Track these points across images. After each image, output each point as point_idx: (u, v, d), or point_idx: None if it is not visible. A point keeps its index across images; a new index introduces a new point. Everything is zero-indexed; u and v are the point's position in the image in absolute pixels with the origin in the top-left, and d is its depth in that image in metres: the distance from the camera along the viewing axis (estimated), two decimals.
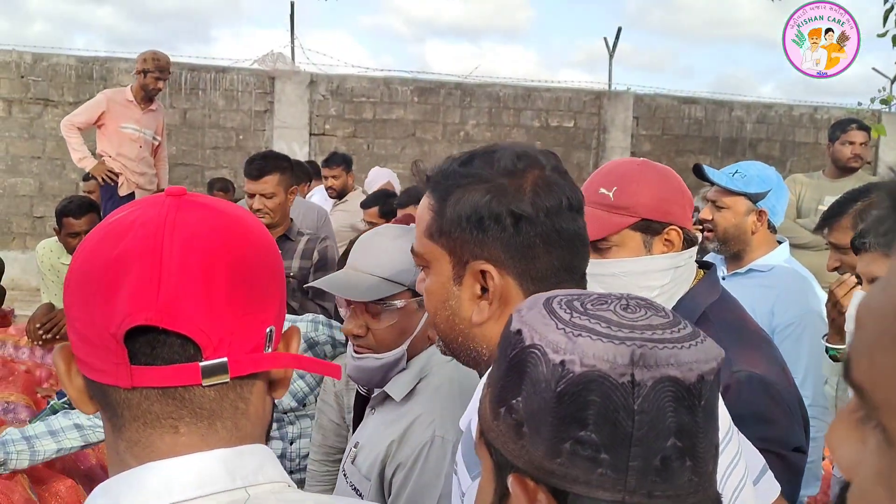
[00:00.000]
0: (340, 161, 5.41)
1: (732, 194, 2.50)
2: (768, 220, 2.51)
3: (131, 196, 4.96)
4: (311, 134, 9.44)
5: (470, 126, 9.88)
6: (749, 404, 1.41)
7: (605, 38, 10.51)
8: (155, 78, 4.95)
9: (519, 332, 0.72)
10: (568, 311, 0.72)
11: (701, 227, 2.55)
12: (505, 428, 0.71)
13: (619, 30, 10.46)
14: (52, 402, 2.65)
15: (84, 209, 3.31)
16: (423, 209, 1.11)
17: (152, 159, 5.15)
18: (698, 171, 2.58)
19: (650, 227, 1.52)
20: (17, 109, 8.68)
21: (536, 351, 0.70)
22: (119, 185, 4.97)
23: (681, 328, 0.72)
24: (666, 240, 1.53)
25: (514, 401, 0.71)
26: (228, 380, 0.69)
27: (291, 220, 3.34)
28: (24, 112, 8.69)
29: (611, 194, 1.53)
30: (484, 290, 1.06)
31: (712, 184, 2.56)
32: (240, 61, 9.57)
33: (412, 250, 1.15)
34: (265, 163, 3.23)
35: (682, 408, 0.67)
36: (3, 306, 3.60)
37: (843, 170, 4.02)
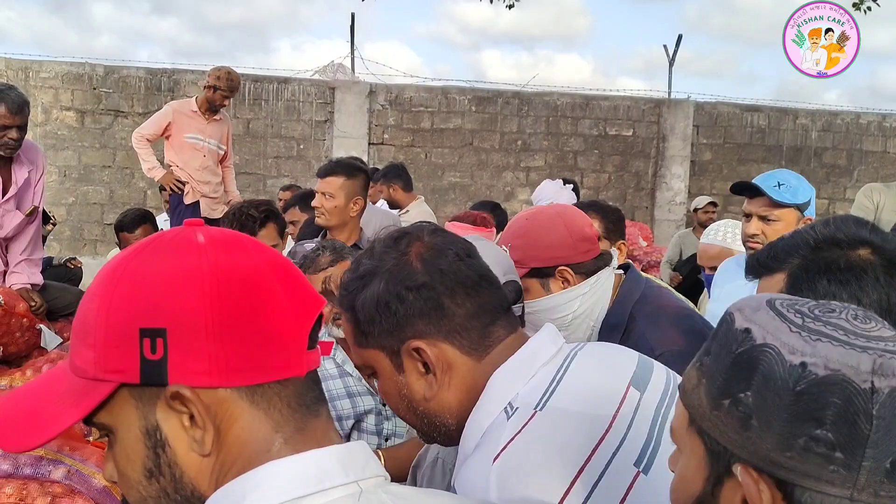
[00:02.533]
0: (382, 175, 5.49)
1: (782, 206, 2.49)
2: None
3: (196, 204, 5.10)
4: (369, 143, 9.56)
5: (527, 135, 9.88)
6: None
7: (664, 46, 10.41)
8: (223, 95, 5.08)
9: (748, 330, 0.77)
10: (798, 315, 0.77)
11: (750, 241, 2.53)
12: (728, 419, 0.75)
13: (680, 37, 10.35)
14: None
15: (137, 222, 3.42)
16: (345, 325, 1.18)
17: (218, 168, 5.28)
18: (740, 188, 2.57)
19: (540, 272, 1.80)
20: (90, 120, 8.99)
21: (770, 350, 0.74)
22: (185, 193, 5.12)
23: None
24: (562, 279, 1.79)
25: (741, 394, 0.75)
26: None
27: (361, 230, 3.29)
28: (96, 123, 9.00)
29: (507, 250, 1.80)
30: (425, 365, 1.11)
31: (754, 197, 2.54)
32: (300, 72, 9.77)
33: (355, 365, 1.24)
34: (335, 165, 3.29)
35: None
36: None
37: None
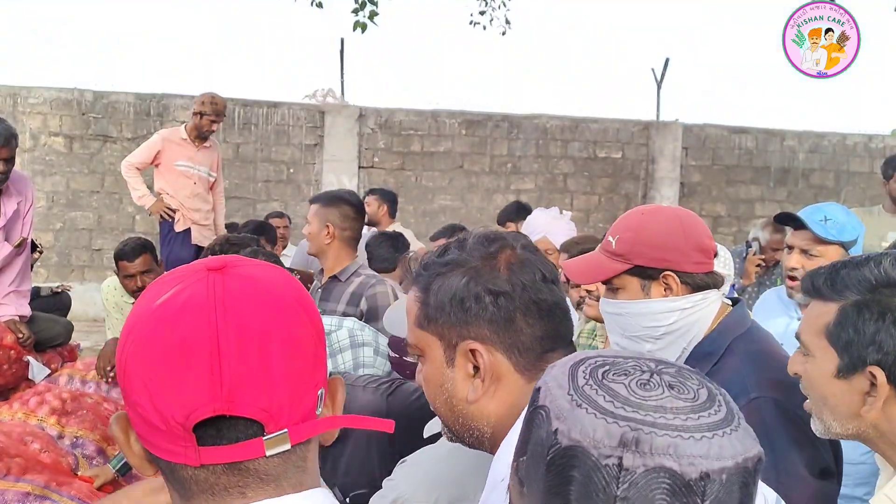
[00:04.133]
0: (377, 191, 5.72)
1: (826, 243, 2.42)
2: None
3: (188, 231, 5.07)
4: (360, 167, 9.56)
5: (517, 158, 9.91)
6: (768, 429, 1.44)
7: (652, 69, 10.49)
8: (210, 121, 5.08)
9: (538, 389, 0.71)
10: (585, 377, 0.69)
11: (790, 273, 2.48)
12: (514, 483, 0.72)
13: (667, 61, 10.43)
14: None
15: (137, 251, 3.39)
16: (411, 301, 1.18)
17: (209, 195, 5.26)
18: (784, 219, 2.52)
19: (645, 273, 1.66)
20: (78, 145, 8.96)
21: (542, 412, 0.68)
22: (176, 221, 5.09)
23: (704, 415, 0.65)
24: (665, 285, 1.65)
25: (521, 458, 0.71)
26: (290, 447, 0.73)
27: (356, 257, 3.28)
28: (85, 148, 8.97)
29: (613, 241, 1.69)
30: (476, 368, 1.11)
31: (797, 229, 2.49)
32: (290, 96, 9.78)
33: (406, 343, 1.21)
34: (319, 194, 3.34)
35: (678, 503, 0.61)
36: (70, 342, 3.69)
37: None
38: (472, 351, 1.10)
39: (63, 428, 2.93)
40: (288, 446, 0.72)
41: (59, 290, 4.73)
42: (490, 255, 1.13)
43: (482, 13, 8.50)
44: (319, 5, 7.67)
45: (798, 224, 2.48)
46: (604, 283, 1.73)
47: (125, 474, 2.72)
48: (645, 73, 10.47)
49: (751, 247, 4.10)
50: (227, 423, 0.70)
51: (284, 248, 5.84)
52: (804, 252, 2.46)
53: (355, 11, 7.51)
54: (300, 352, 0.74)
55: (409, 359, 1.95)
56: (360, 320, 2.86)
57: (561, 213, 3.71)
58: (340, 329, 2.49)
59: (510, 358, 1.11)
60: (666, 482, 0.61)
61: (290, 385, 0.72)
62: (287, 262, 5.67)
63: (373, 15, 7.50)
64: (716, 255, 1.72)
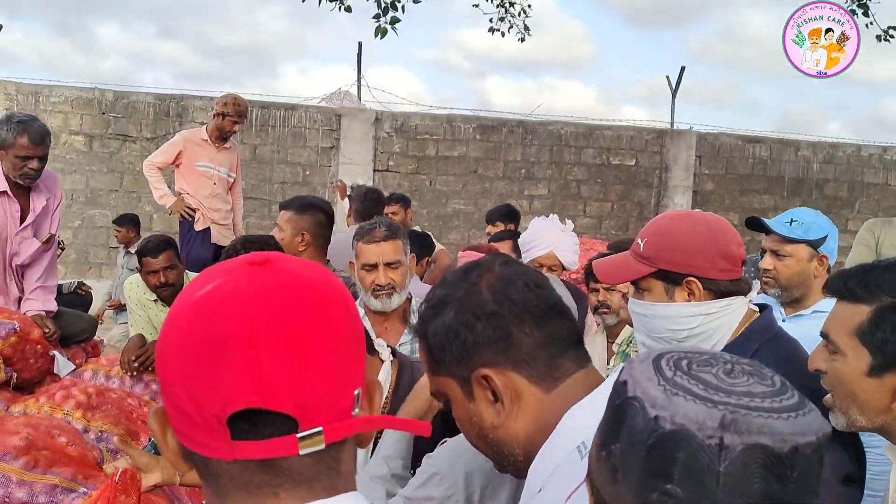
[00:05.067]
0: (399, 199, 5.73)
1: (793, 242, 2.53)
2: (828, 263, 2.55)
3: (207, 231, 5.15)
4: (375, 170, 9.63)
5: (531, 163, 9.96)
6: None
7: (667, 77, 10.53)
8: (232, 122, 5.15)
9: (625, 383, 0.77)
10: (672, 369, 0.76)
11: (764, 275, 2.58)
12: (604, 470, 0.76)
13: (683, 69, 10.47)
14: (152, 439, 2.76)
15: (160, 248, 3.44)
16: (421, 353, 1.21)
17: (228, 196, 5.34)
18: (753, 224, 2.62)
19: (669, 277, 1.69)
20: (98, 144, 9.08)
21: (636, 403, 0.74)
22: (196, 220, 5.17)
23: (784, 398, 0.74)
24: (688, 290, 1.68)
25: (612, 446, 0.75)
26: (324, 446, 0.72)
27: (328, 261, 3.33)
28: (104, 147, 9.08)
29: (642, 244, 1.73)
30: (494, 393, 1.12)
31: (769, 233, 2.59)
32: (307, 99, 9.87)
33: (431, 393, 1.24)
34: (291, 200, 3.37)
35: (772, 476, 0.69)
36: (95, 337, 3.76)
37: None
38: (485, 377, 1.11)
39: (88, 422, 2.99)
40: (322, 446, 0.71)
41: (81, 292, 4.79)
42: (471, 284, 1.15)
43: (501, 19, 8.53)
44: (348, 9, 7.72)
45: (765, 228, 2.58)
46: (632, 283, 1.77)
47: None
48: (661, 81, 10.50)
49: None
50: (261, 417, 0.70)
51: None
52: (774, 253, 2.56)
53: (377, 17, 7.55)
54: (339, 349, 0.73)
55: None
56: None
57: (564, 223, 3.50)
58: None
59: (521, 373, 1.12)
60: (761, 457, 0.69)
61: (327, 382, 0.72)
62: None
63: (394, 21, 7.54)
64: (744, 262, 1.74)
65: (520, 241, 3.59)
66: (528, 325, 1.12)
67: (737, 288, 1.71)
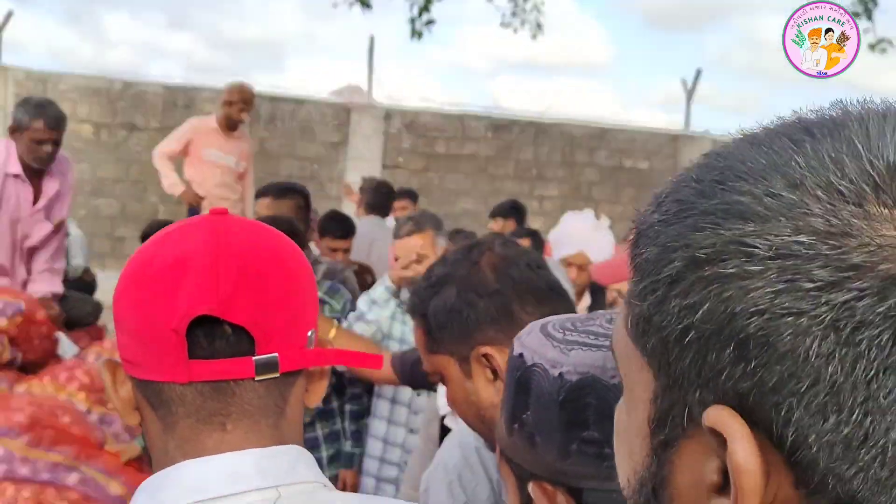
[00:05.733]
0: (406, 193, 5.76)
1: None
2: None
3: None
4: (383, 166, 9.57)
5: (542, 164, 9.89)
6: None
7: (683, 80, 10.45)
8: (239, 109, 5.15)
9: (521, 355, 0.81)
10: (561, 331, 0.81)
11: None
12: (520, 441, 0.79)
13: (699, 72, 10.39)
14: None
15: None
16: (417, 331, 1.22)
17: (237, 185, 5.30)
18: None
19: None
20: (105, 133, 9.02)
21: (537, 369, 0.78)
22: (203, 209, 5.12)
23: None
24: None
25: (524, 416, 0.79)
26: (278, 374, 0.73)
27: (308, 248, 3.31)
28: (112, 136, 9.03)
29: None
30: (494, 371, 1.13)
31: None
32: (317, 93, 9.82)
33: (425, 370, 1.24)
34: (267, 186, 3.34)
35: None
36: (98, 322, 3.73)
37: None
38: (485, 355, 1.12)
39: (91, 404, 2.95)
40: (276, 373, 0.72)
41: (86, 279, 4.76)
42: (473, 262, 1.17)
43: (514, 15, 8.50)
44: (367, 5, 7.70)
45: None
46: None
47: None
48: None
49: None
50: (219, 332, 0.71)
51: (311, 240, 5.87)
52: None
53: (412, 21, 7.54)
54: (294, 285, 0.76)
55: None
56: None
57: (598, 219, 3.20)
58: None
59: None
60: None
61: (284, 311, 0.73)
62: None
63: (430, 22, 7.54)
64: None
65: (549, 237, 3.45)
66: (529, 304, 1.15)
67: None
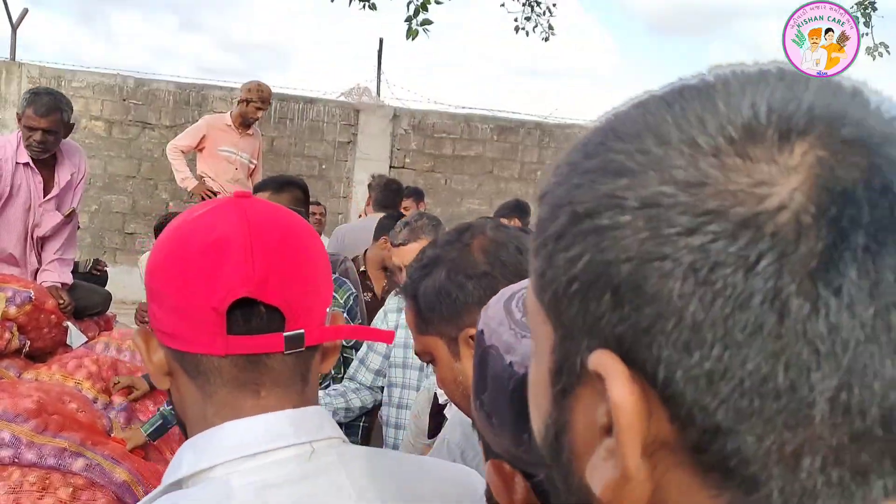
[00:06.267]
0: (411, 192, 5.78)
1: None
2: None
3: None
4: (391, 167, 9.64)
5: (548, 166, 9.91)
6: None
7: None
8: (256, 108, 5.23)
9: (482, 332, 0.79)
10: (521, 309, 0.76)
11: None
12: (482, 419, 0.78)
13: None
14: (161, 409, 2.79)
15: None
16: (408, 312, 1.22)
17: (248, 182, 5.38)
18: None
19: None
20: (117, 130, 9.13)
21: (493, 351, 0.76)
22: None
23: None
24: None
25: (483, 395, 0.77)
26: (304, 349, 0.79)
27: None
28: (124, 133, 9.14)
29: None
30: None
31: None
32: (326, 93, 9.90)
33: (416, 352, 1.23)
34: (265, 181, 3.44)
35: None
36: (108, 312, 3.79)
37: None
38: (472, 337, 1.08)
39: (98, 393, 3.02)
40: (303, 347, 0.79)
41: (97, 272, 4.81)
42: (464, 245, 1.16)
43: (527, 19, 8.53)
44: (373, 7, 7.73)
45: None
46: None
47: (156, 439, 2.80)
48: None
49: None
50: (255, 311, 0.77)
51: (320, 234, 5.95)
52: None
53: (409, 20, 7.54)
54: (315, 265, 0.83)
55: None
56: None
57: None
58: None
59: None
60: None
61: (308, 290, 0.80)
62: None
63: (426, 22, 7.54)
64: None
65: None
66: None
67: None
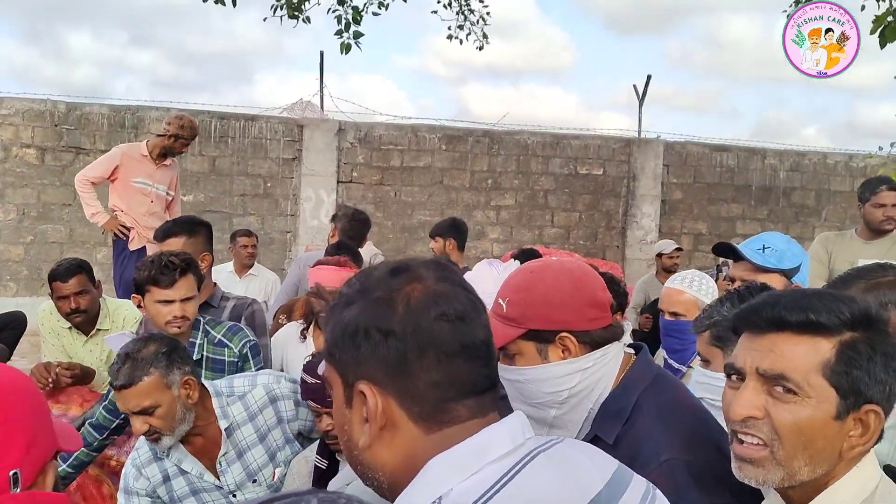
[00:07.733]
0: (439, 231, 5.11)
1: (766, 272, 2.33)
2: None
3: (143, 250, 4.92)
4: (338, 181, 9.45)
5: (498, 174, 9.82)
6: (679, 494, 1.32)
7: (634, 86, 10.45)
8: (183, 144, 5.02)
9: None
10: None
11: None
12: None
13: (649, 77, 10.39)
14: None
15: (71, 272, 3.25)
16: (320, 337, 1.12)
17: (165, 214, 5.14)
18: (722, 250, 2.44)
19: (540, 336, 1.55)
20: (50, 157, 8.81)
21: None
22: (130, 239, 4.95)
23: None
24: (562, 347, 1.54)
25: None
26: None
27: (215, 284, 3.21)
28: (57, 160, 8.82)
29: (504, 305, 1.57)
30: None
31: (738, 260, 2.41)
32: (268, 109, 9.67)
33: (324, 378, 1.10)
34: (173, 225, 3.24)
35: None
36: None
37: (876, 231, 3.85)
38: (362, 392, 0.99)
39: None
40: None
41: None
42: (391, 289, 1.01)
43: (460, 27, 8.42)
44: (307, 20, 7.58)
45: (737, 255, 2.40)
46: (499, 349, 1.57)
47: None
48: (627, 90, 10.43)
49: (721, 272, 4.03)
50: None
51: (251, 267, 5.69)
52: (743, 282, 2.38)
53: (339, 34, 7.41)
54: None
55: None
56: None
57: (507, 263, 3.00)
58: (255, 388, 2.32)
59: (402, 405, 0.99)
60: None
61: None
62: (254, 282, 5.53)
63: (357, 35, 7.42)
64: (612, 306, 1.60)
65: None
66: (428, 360, 0.98)
67: (611, 334, 1.58)
